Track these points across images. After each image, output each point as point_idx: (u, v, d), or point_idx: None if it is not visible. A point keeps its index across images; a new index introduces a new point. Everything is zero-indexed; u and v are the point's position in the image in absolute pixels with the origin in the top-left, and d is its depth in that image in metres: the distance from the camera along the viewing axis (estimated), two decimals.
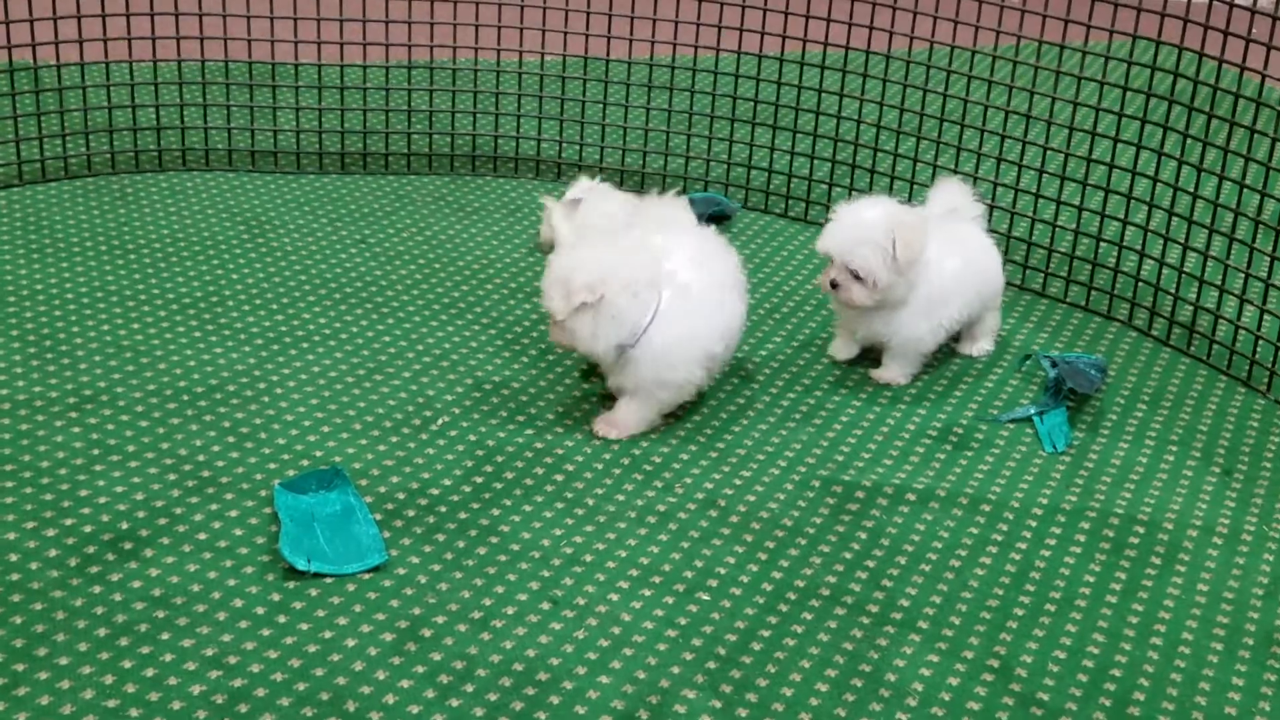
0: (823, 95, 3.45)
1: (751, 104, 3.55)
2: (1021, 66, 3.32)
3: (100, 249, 3.06)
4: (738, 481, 2.41)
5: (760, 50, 3.48)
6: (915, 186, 3.37)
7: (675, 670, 1.97)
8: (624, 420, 2.50)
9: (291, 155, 3.56)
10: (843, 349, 2.81)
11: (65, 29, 3.44)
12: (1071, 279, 3.16)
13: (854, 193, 3.45)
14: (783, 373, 2.77)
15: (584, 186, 3.00)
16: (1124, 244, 3.11)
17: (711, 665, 1.99)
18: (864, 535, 2.29)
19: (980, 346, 2.85)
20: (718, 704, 1.92)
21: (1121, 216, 3.11)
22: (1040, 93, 3.19)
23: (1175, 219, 3.06)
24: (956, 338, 2.85)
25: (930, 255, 2.62)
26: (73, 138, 3.45)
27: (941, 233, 2.68)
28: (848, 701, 1.94)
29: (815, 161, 3.48)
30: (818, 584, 2.17)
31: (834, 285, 2.62)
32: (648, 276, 2.40)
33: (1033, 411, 2.65)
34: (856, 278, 2.58)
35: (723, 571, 2.18)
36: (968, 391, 2.75)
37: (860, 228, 2.57)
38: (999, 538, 2.31)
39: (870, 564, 2.22)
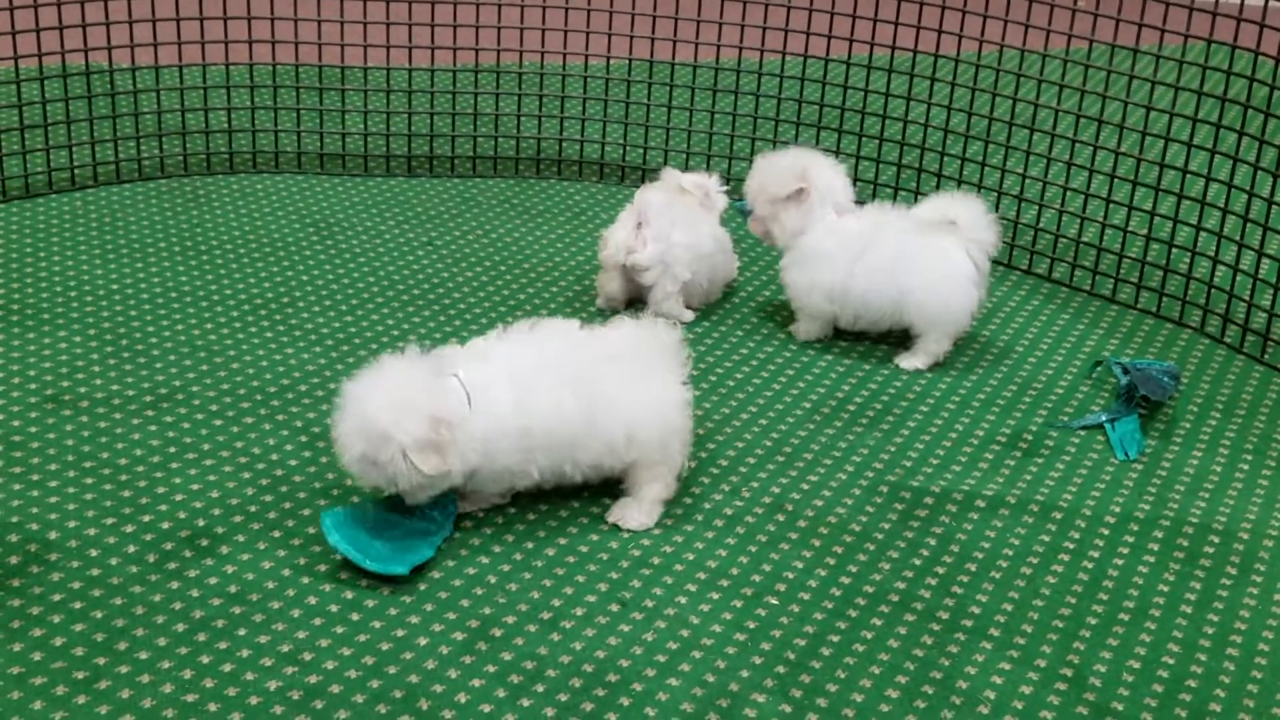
0: (889, 99, 3.43)
1: (816, 108, 3.54)
2: (1092, 70, 3.28)
3: (174, 249, 3.11)
4: (805, 486, 2.41)
5: (826, 54, 3.47)
6: (982, 190, 3.35)
7: (744, 674, 1.97)
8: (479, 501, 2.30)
9: (359, 158, 3.59)
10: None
11: (140, 33, 3.49)
12: (1142, 285, 3.13)
13: (918, 196, 3.43)
14: (849, 377, 2.76)
15: (693, 180, 2.99)
16: (1196, 249, 3.07)
17: (781, 670, 1.98)
18: (933, 541, 2.28)
19: (910, 360, 2.78)
20: (787, 708, 1.92)
21: (1194, 222, 3.07)
22: (1111, 96, 3.16)
23: (1249, 224, 3.02)
24: (906, 345, 2.82)
25: (835, 222, 2.76)
26: (146, 140, 3.51)
27: (898, 229, 2.75)
28: (919, 709, 1.93)
29: (880, 166, 3.47)
30: (887, 590, 2.16)
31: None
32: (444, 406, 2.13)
33: (1104, 418, 2.62)
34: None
35: (791, 576, 2.18)
36: (1037, 398, 2.73)
37: (765, 165, 2.82)
38: (1071, 545, 2.29)
39: (940, 570, 2.21)
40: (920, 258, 2.72)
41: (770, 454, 2.50)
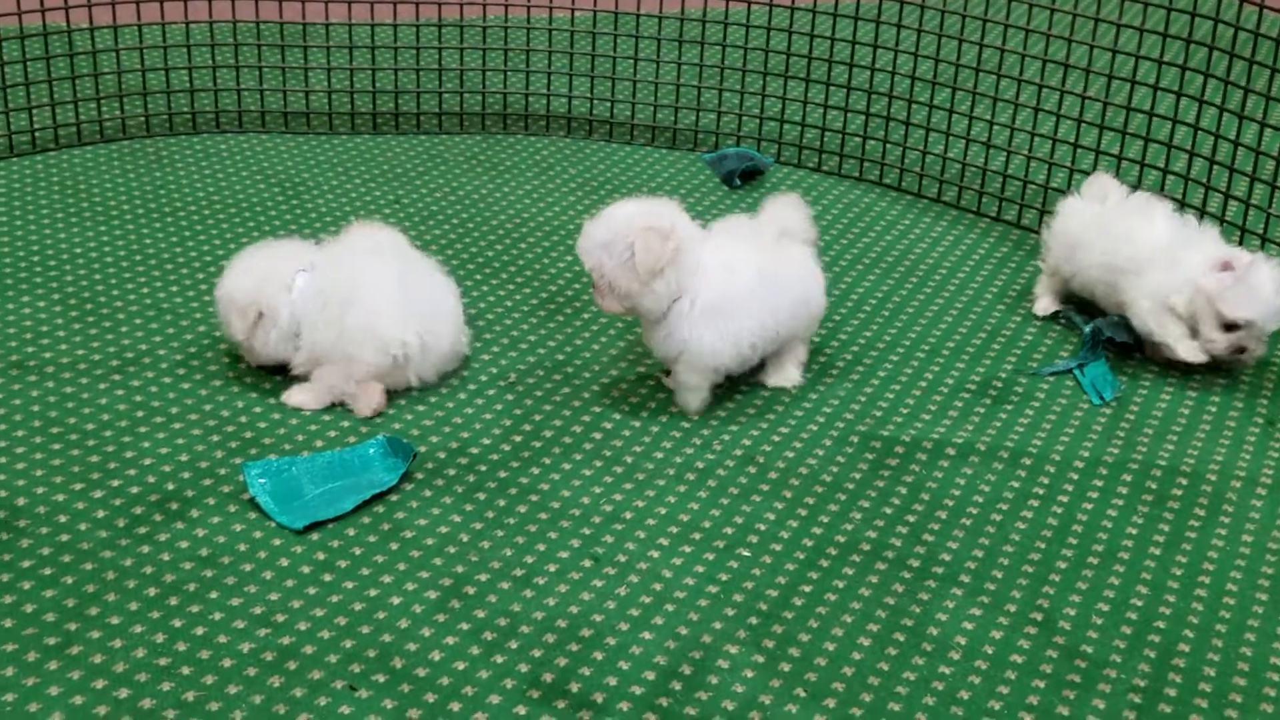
0: (856, 47, 3.41)
1: (784, 57, 3.52)
2: (1059, 14, 3.27)
3: (137, 212, 3.08)
4: (776, 437, 2.41)
5: (793, 2, 3.45)
6: (950, 139, 3.34)
7: (717, 626, 1.98)
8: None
9: (324, 116, 3.55)
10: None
11: None
12: None
13: (888, 145, 3.42)
14: (821, 327, 2.76)
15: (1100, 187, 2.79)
16: (1164, 193, 3.07)
17: (753, 621, 2.00)
18: (904, 490, 2.29)
19: (787, 376, 2.54)
20: (760, 659, 1.93)
21: (1162, 165, 3.07)
22: (1078, 40, 3.15)
23: (1216, 167, 3.02)
24: (760, 366, 2.53)
25: (714, 262, 2.37)
26: (107, 101, 3.46)
27: (748, 244, 2.45)
28: (890, 655, 1.95)
29: (849, 115, 3.45)
30: (858, 539, 2.17)
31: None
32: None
33: (1074, 365, 2.64)
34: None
35: (762, 528, 2.19)
36: (1005, 345, 2.73)
37: (605, 232, 2.33)
38: (1040, 491, 2.30)
39: (910, 519, 2.22)
40: (802, 279, 2.50)
41: (741, 407, 2.50)
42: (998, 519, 2.23)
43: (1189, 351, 2.57)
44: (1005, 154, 3.29)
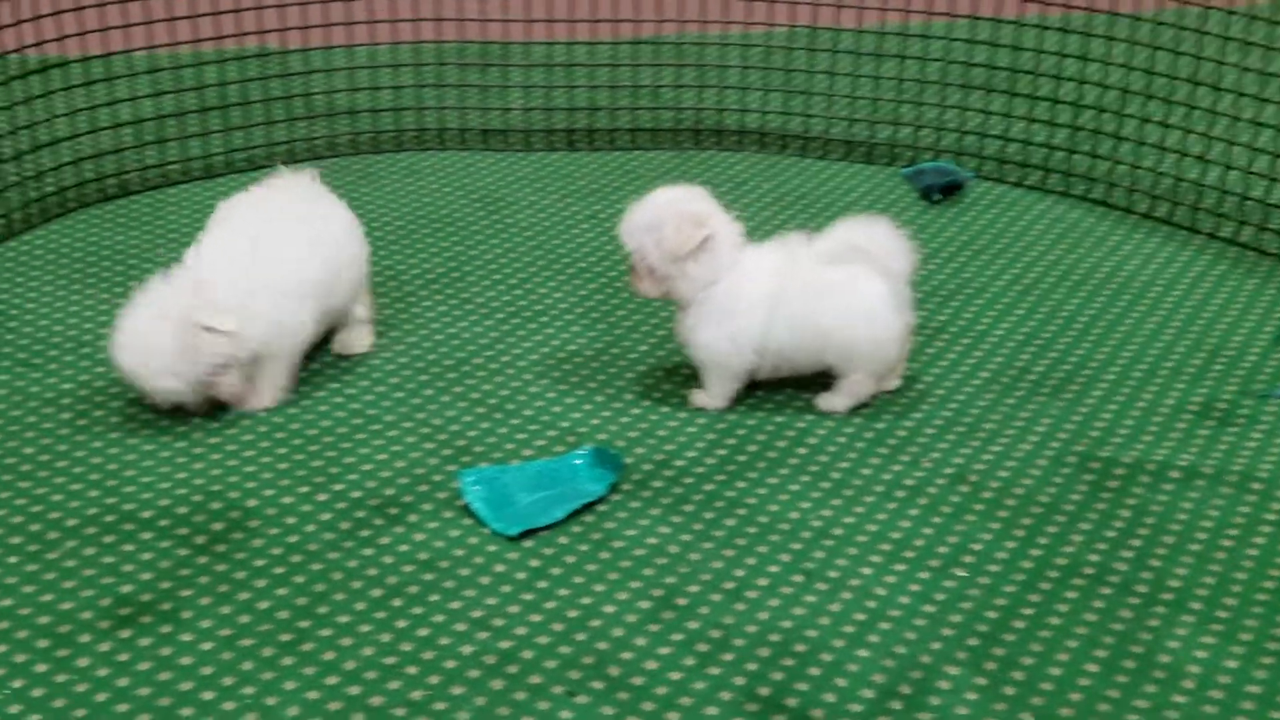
0: (1061, 59, 3.33)
1: (985, 70, 3.45)
2: (1278, 28, 3.15)
3: None
4: (988, 456, 2.36)
5: (995, 15, 3.38)
6: (1162, 152, 3.23)
7: (935, 646, 1.94)
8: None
9: (521, 133, 3.62)
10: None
11: (311, 14, 3.57)
12: None
13: (1096, 160, 3.32)
14: (1028, 345, 2.69)
15: None
16: None
17: (973, 643, 1.95)
18: (1127, 513, 2.21)
19: (831, 401, 2.47)
20: (982, 681, 1.88)
21: None
22: None
23: None
24: (825, 385, 2.48)
25: (746, 264, 2.41)
26: (317, 120, 3.58)
27: (804, 259, 2.42)
28: (1119, 683, 1.88)
29: (1052, 128, 3.37)
30: (1080, 563, 2.10)
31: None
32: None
33: None
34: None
35: (978, 548, 2.14)
36: (1227, 366, 2.62)
37: (644, 214, 2.41)
38: (1272, 517, 2.20)
39: (1135, 543, 2.14)
40: (834, 293, 2.40)
41: (950, 424, 2.45)
42: (1228, 544, 2.14)
43: None
44: (1222, 168, 3.17)
